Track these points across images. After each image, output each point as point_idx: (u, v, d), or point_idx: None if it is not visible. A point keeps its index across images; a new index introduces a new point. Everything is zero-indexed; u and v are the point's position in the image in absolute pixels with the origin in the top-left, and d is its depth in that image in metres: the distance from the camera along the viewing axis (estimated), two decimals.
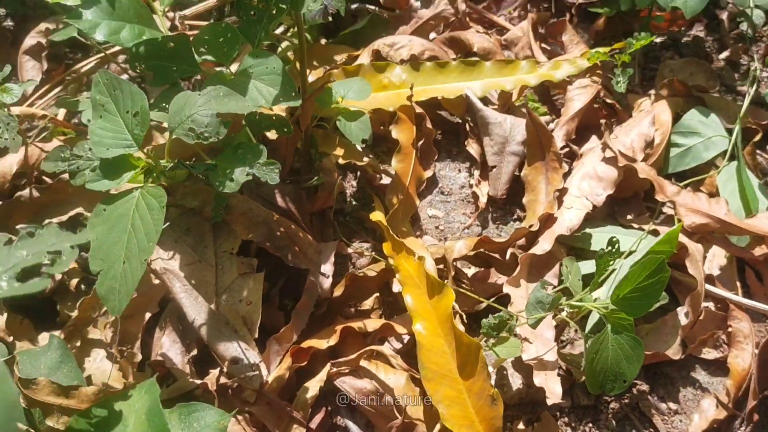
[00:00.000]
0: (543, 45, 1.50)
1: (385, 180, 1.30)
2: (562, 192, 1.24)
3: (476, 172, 1.34)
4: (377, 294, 1.17)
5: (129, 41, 1.07)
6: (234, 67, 1.05)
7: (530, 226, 1.20)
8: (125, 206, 0.88)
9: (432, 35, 1.53)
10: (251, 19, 1.02)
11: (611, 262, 0.99)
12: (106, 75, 0.91)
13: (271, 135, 1.20)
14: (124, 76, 1.47)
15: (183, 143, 0.92)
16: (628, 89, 1.37)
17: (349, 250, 1.23)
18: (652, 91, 1.42)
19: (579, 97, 1.34)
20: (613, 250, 0.98)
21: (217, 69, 1.06)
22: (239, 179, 0.91)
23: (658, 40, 1.56)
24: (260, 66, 1.00)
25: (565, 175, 1.27)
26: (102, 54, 1.42)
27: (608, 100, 1.38)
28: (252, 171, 0.92)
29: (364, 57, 1.42)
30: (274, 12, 1.01)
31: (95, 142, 0.89)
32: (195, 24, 1.51)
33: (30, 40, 1.47)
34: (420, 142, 1.34)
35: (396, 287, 1.16)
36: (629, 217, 1.29)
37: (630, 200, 1.31)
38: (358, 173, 1.35)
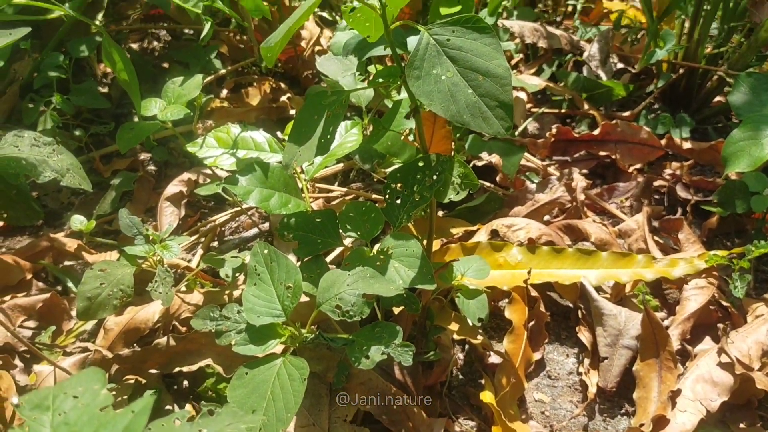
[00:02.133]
0: (655, 237, 1.53)
1: (494, 358, 1.32)
2: (676, 393, 1.23)
3: (586, 361, 1.34)
4: None
5: (276, 208, 1.16)
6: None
7: (641, 425, 1.18)
8: (267, 373, 0.93)
9: (546, 217, 1.59)
10: (395, 204, 1.10)
11: None
12: (266, 247, 0.99)
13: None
14: (252, 230, 1.57)
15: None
16: None
17: (456, 429, 1.23)
18: (767, 295, 1.42)
19: (695, 297, 1.35)
20: None
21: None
22: (375, 357, 0.95)
23: None
24: (400, 248, 1.06)
25: (679, 376, 1.26)
26: (237, 208, 1.53)
27: (723, 302, 1.39)
28: (387, 351, 0.95)
29: (482, 235, 1.48)
30: (417, 199, 1.09)
31: (248, 309, 0.95)
32: (322, 187, 1.62)
33: (172, 188, 1.60)
34: (531, 323, 1.36)
35: None
36: (741, 425, 1.25)
37: (743, 407, 1.28)
38: (466, 346, 1.38)
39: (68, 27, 1.73)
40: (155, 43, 2.19)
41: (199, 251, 1.51)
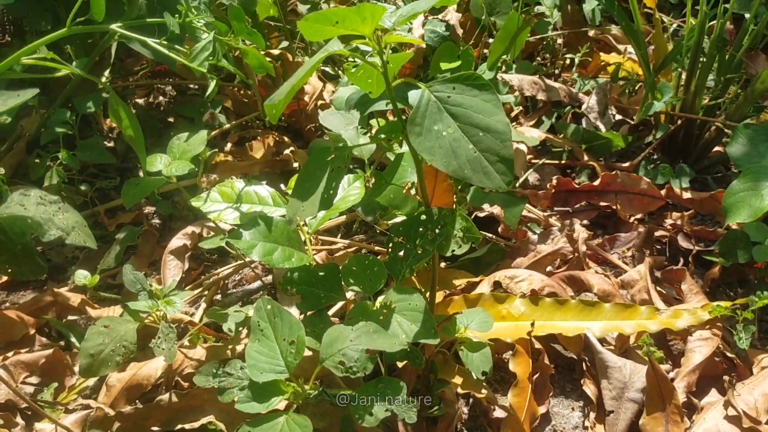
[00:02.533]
0: (658, 288, 1.53)
1: (499, 412, 1.30)
2: None
3: (592, 414, 1.33)
4: None
5: (280, 262, 1.17)
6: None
7: None
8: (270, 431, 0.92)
9: (548, 268, 1.59)
10: (398, 257, 1.11)
11: None
12: (269, 302, 0.99)
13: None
14: (255, 283, 1.57)
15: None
16: None
17: None
18: None
19: (700, 349, 1.34)
20: None
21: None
22: (378, 415, 0.94)
23: None
24: (403, 302, 1.06)
25: (686, 430, 1.25)
26: (240, 261, 1.54)
27: (728, 354, 1.38)
28: (391, 408, 0.95)
29: (485, 286, 1.48)
30: (420, 252, 1.09)
31: (251, 365, 0.95)
32: (325, 239, 1.62)
33: (176, 241, 1.61)
34: (535, 376, 1.35)
35: None
36: None
37: None
38: (471, 400, 1.36)
39: (75, 84, 1.76)
40: (161, 98, 2.22)
41: (203, 304, 1.51)
